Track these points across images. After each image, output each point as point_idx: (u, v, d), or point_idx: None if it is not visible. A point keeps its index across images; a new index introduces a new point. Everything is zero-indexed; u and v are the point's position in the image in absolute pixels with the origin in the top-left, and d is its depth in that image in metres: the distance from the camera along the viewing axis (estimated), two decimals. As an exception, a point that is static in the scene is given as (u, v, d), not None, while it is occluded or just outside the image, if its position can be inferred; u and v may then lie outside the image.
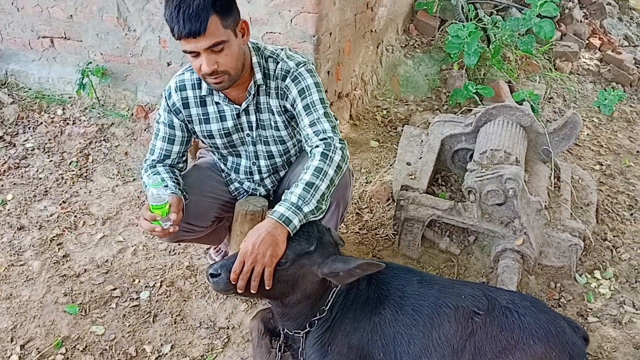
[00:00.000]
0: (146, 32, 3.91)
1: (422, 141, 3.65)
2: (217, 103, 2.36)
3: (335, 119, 2.30)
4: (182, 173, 2.55)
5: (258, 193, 2.69)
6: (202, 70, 2.10)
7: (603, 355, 2.58)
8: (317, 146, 2.20)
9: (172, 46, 3.87)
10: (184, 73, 2.38)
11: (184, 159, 2.55)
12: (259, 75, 2.26)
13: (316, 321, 2.20)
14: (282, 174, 2.61)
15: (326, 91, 3.85)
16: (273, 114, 2.37)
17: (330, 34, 3.70)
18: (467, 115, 3.65)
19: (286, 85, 2.28)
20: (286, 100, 2.31)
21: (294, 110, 2.31)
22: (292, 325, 2.27)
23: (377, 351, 2.14)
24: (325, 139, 2.21)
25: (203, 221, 2.55)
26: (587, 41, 5.69)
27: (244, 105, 2.33)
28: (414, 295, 2.18)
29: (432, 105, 4.55)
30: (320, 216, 2.13)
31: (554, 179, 3.31)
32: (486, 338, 2.08)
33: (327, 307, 2.18)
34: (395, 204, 3.27)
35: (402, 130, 4.10)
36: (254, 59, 2.26)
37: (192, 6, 1.97)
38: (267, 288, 2.02)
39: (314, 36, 3.51)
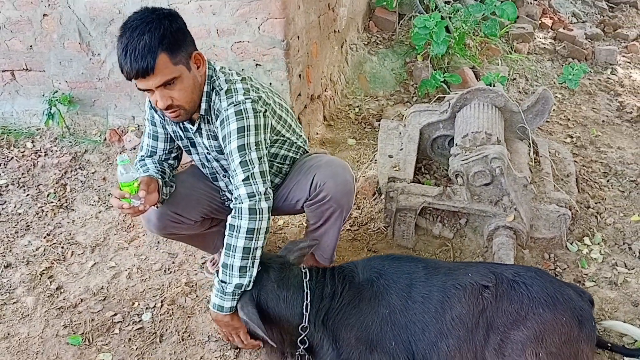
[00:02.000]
0: (111, 55, 3.86)
1: (400, 133, 3.70)
2: None
3: (260, 160, 2.21)
4: (175, 168, 2.60)
5: None
6: (158, 106, 2.14)
7: (605, 316, 2.66)
8: (231, 209, 2.20)
9: (140, 66, 3.83)
10: None
11: (172, 155, 2.57)
12: (203, 105, 2.27)
13: (306, 339, 2.22)
14: None
15: (299, 95, 3.89)
16: (217, 140, 2.37)
17: (298, 37, 3.72)
18: (440, 103, 3.71)
19: (217, 126, 2.29)
20: (217, 138, 2.34)
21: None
22: (291, 348, 2.29)
23: (388, 341, 2.17)
24: (236, 198, 2.19)
25: (191, 213, 2.56)
26: (539, 21, 5.87)
27: (195, 126, 2.36)
28: (421, 283, 2.21)
29: (401, 98, 4.62)
30: (251, 284, 2.18)
31: (533, 154, 3.40)
32: (497, 312, 2.12)
33: (306, 323, 2.20)
34: (383, 196, 3.31)
35: (378, 125, 4.16)
36: (205, 88, 2.26)
37: (139, 47, 1.98)
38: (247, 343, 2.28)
39: (283, 41, 3.53)
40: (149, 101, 2.43)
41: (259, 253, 2.17)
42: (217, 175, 2.58)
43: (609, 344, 2.42)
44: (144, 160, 2.51)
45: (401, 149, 3.53)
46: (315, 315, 2.22)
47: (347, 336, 2.18)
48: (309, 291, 2.19)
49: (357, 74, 4.74)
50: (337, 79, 4.56)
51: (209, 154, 2.45)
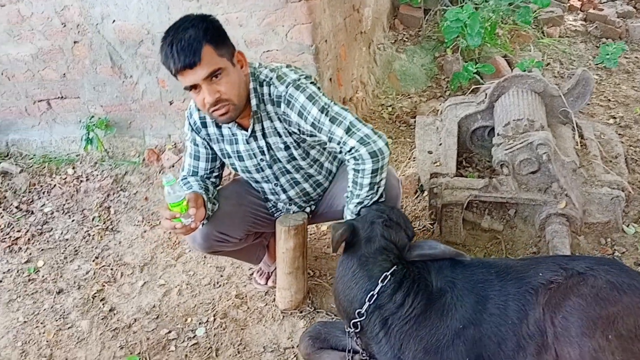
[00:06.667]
0: (143, 76, 3.90)
1: (437, 128, 3.64)
2: (229, 127, 2.37)
3: (345, 109, 2.26)
4: (218, 187, 2.58)
5: (292, 211, 2.68)
6: (206, 101, 2.12)
7: (673, 299, 2.54)
8: (348, 160, 2.26)
9: (172, 84, 3.86)
10: None
11: (214, 174, 2.57)
12: (254, 102, 2.26)
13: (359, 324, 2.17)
14: (306, 186, 2.58)
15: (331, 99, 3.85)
16: (280, 136, 2.37)
17: (326, 41, 3.70)
18: (476, 94, 3.64)
19: (284, 111, 2.27)
20: (290, 125, 2.31)
21: (306, 134, 2.31)
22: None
23: (460, 356, 2.07)
24: (349, 151, 2.21)
25: (236, 232, 2.54)
26: (568, 4, 5.74)
27: (249, 130, 2.33)
28: (495, 293, 2.09)
29: (434, 94, 4.56)
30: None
31: (578, 138, 3.30)
32: (565, 297, 2.01)
33: (364, 311, 2.14)
34: (426, 194, 3.26)
35: (413, 122, 4.11)
36: (251, 85, 2.26)
37: (184, 39, 2.01)
38: None
39: (311, 46, 3.51)
40: (189, 123, 2.44)
41: (383, 181, 2.31)
42: (268, 185, 2.56)
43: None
44: (186, 179, 2.51)
45: (440, 144, 3.47)
46: (375, 311, 2.15)
47: (415, 348, 2.10)
48: (381, 285, 2.13)
49: (387, 74, 4.70)
50: (367, 80, 4.52)
51: (262, 160, 2.43)
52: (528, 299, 2.04)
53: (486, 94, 3.42)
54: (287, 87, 2.23)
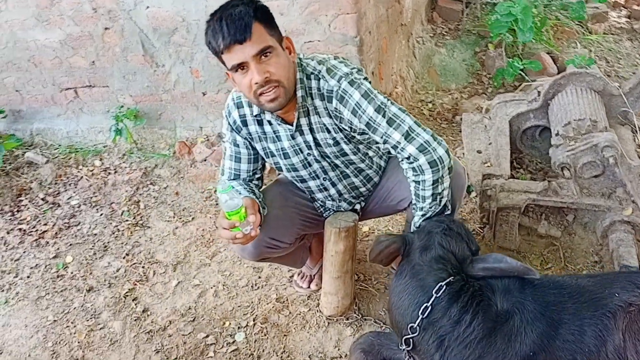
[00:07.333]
0: (175, 65, 3.74)
1: (485, 126, 3.46)
2: (270, 122, 2.21)
3: (403, 111, 2.10)
4: (261, 189, 2.42)
5: (342, 209, 2.52)
6: (253, 82, 1.95)
7: None
8: (406, 170, 2.16)
9: (206, 74, 3.70)
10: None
11: (256, 176, 2.41)
12: (299, 93, 2.10)
13: (412, 341, 1.99)
14: (356, 181, 2.41)
15: (387, 97, 3.68)
16: (329, 132, 2.20)
17: (370, 32, 3.53)
18: (527, 92, 3.46)
19: (335, 107, 2.10)
20: (341, 122, 2.14)
21: (357, 132, 2.16)
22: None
23: None
24: (408, 158, 2.10)
25: (287, 236, 2.39)
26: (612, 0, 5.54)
27: (294, 124, 2.17)
28: (569, 317, 1.91)
29: (476, 90, 4.37)
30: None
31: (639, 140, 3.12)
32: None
33: (417, 325, 1.97)
34: (474, 195, 3.09)
35: (454, 119, 3.94)
36: (297, 75, 2.10)
37: (235, 14, 1.90)
38: None
39: (355, 37, 3.34)
40: (228, 123, 2.28)
41: (447, 191, 2.18)
42: (315, 181, 2.39)
43: None
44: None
45: (490, 143, 3.29)
46: (429, 327, 1.97)
47: None
48: (435, 296, 1.94)
49: (426, 68, 4.52)
50: (406, 74, 4.34)
51: (310, 154, 2.26)
52: (606, 324, 1.87)
53: (539, 92, 3.23)
54: (339, 81, 2.07)
